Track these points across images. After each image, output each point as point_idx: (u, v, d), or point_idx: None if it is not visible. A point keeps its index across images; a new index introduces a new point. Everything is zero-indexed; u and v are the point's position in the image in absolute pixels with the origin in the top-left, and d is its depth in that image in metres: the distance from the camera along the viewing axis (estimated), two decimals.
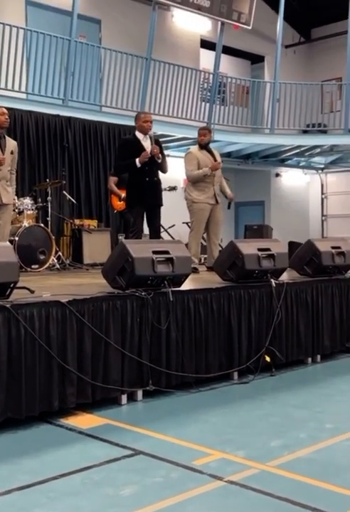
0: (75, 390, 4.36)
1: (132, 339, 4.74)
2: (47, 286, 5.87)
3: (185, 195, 7.80)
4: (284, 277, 6.23)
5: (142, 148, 6.91)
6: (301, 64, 17.53)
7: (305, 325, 6.13)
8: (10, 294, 4.31)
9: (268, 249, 5.92)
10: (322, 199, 17.87)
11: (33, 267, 8.13)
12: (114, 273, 4.99)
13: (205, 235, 8.02)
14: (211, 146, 8.00)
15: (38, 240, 8.32)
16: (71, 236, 9.83)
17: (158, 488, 3.19)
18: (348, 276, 6.77)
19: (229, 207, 8.10)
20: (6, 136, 6.92)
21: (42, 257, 8.30)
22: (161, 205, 7.17)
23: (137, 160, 6.83)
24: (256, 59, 17.01)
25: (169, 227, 10.72)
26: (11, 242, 7.05)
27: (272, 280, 5.81)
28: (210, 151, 7.77)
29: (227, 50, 15.14)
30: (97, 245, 9.54)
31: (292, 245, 11.11)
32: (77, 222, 10.05)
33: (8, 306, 4.07)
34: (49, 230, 8.61)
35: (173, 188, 10.65)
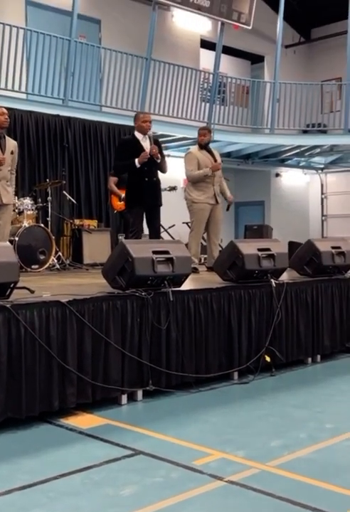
0: (75, 389, 4.37)
1: (132, 339, 4.74)
2: (47, 286, 5.87)
3: (185, 195, 7.80)
4: (284, 277, 6.23)
5: (141, 149, 6.90)
6: (301, 64, 17.54)
7: (305, 325, 6.13)
8: (10, 294, 4.31)
9: (268, 249, 5.92)
10: (322, 199, 17.87)
11: (33, 267, 8.13)
12: (114, 273, 4.99)
13: (205, 235, 8.02)
14: (211, 146, 8.00)
15: (38, 240, 8.32)
16: (71, 236, 9.83)
17: (158, 488, 3.19)
18: (348, 277, 6.77)
19: (228, 209, 8.10)
20: (6, 136, 6.92)
21: (42, 257, 8.30)
22: (161, 205, 7.16)
23: (137, 160, 6.82)
24: (256, 59, 17.01)
25: (169, 227, 10.72)
26: (11, 242, 7.05)
27: (272, 280, 5.81)
28: (210, 151, 7.77)
29: (227, 50, 15.14)
30: (97, 245, 9.54)
31: (292, 245, 11.10)
32: (77, 222, 10.05)
33: (8, 306, 4.07)
34: (49, 230, 8.61)
35: (173, 188, 10.66)
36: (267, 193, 17.05)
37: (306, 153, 15.85)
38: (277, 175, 17.29)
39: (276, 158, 16.17)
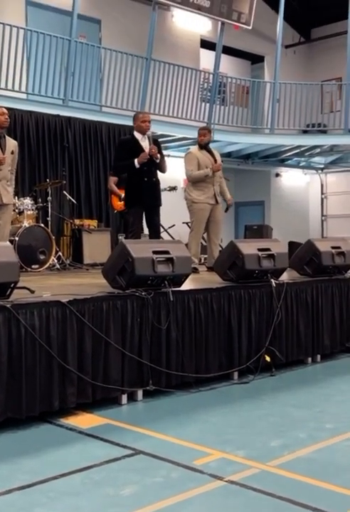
0: (76, 389, 4.37)
1: (132, 339, 4.74)
2: (47, 286, 5.87)
3: (185, 195, 7.80)
4: (284, 277, 6.23)
5: (141, 149, 6.90)
6: (301, 64, 17.54)
7: (305, 325, 6.13)
8: (10, 293, 4.31)
9: (268, 249, 5.92)
10: (322, 199, 17.87)
11: (33, 267, 8.14)
12: (115, 273, 5.00)
13: (205, 235, 8.02)
14: (211, 146, 8.01)
15: (38, 240, 8.32)
16: (71, 236, 9.83)
17: (158, 488, 3.19)
18: (348, 277, 6.77)
19: (226, 210, 8.10)
20: (7, 136, 6.92)
21: (42, 257, 8.30)
22: (160, 205, 7.15)
23: (136, 161, 6.81)
24: (256, 59, 17.02)
25: (169, 227, 10.72)
26: (11, 242, 7.05)
27: (272, 280, 5.81)
28: (210, 151, 7.77)
29: (228, 50, 15.14)
30: (97, 245, 9.54)
31: (292, 245, 11.11)
32: (77, 222, 10.05)
33: (8, 306, 4.07)
34: (49, 230, 8.62)
35: (173, 188, 10.66)
36: (267, 193, 17.05)
37: (306, 153, 15.85)
38: (277, 175, 17.29)
39: (276, 158, 16.17)
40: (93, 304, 4.53)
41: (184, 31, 14.80)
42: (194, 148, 7.84)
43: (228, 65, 15.71)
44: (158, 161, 6.92)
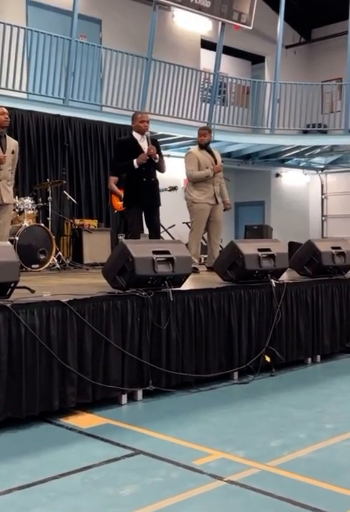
0: (76, 389, 4.37)
1: (132, 339, 4.74)
2: (47, 285, 5.87)
3: (185, 195, 7.80)
4: (285, 277, 6.23)
5: (139, 149, 6.89)
6: (302, 64, 17.54)
7: (305, 325, 6.13)
8: (10, 293, 4.31)
9: (268, 250, 5.93)
10: (322, 199, 17.88)
11: (33, 266, 8.14)
12: (115, 273, 5.00)
13: (205, 235, 8.01)
14: (211, 146, 8.01)
15: (39, 239, 8.32)
16: (71, 236, 9.83)
17: (158, 488, 3.19)
18: (348, 277, 6.77)
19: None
20: (7, 136, 6.92)
21: (42, 256, 8.31)
22: (159, 205, 7.15)
23: (135, 161, 6.81)
24: (256, 59, 17.02)
25: (169, 227, 10.72)
26: (11, 241, 7.04)
27: (272, 280, 5.81)
28: (210, 151, 7.77)
29: (228, 51, 15.15)
30: (97, 245, 9.54)
31: (292, 245, 11.11)
32: (77, 222, 10.05)
33: (8, 305, 4.07)
34: (49, 230, 8.62)
35: (173, 188, 10.66)
36: (267, 193, 17.05)
37: (307, 154, 15.86)
38: (278, 175, 17.29)
39: (276, 158, 16.17)
40: (93, 303, 4.53)
41: (185, 31, 14.80)
42: (194, 149, 7.84)
43: (229, 65, 15.72)
44: (157, 161, 6.92)
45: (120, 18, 13.47)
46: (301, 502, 3.00)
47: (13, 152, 6.85)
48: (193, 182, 7.65)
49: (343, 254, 6.69)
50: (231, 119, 13.90)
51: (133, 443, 3.84)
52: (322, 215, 17.86)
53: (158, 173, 7.13)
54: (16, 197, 8.33)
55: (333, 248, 6.62)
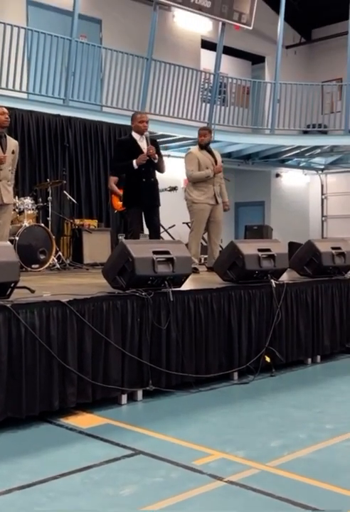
0: (76, 389, 4.37)
1: (132, 339, 4.74)
2: (47, 285, 5.87)
3: (185, 195, 7.80)
4: (285, 278, 6.24)
5: (139, 149, 6.89)
6: (302, 64, 17.54)
7: (305, 325, 6.13)
8: (10, 293, 4.32)
9: (268, 250, 5.93)
10: (322, 200, 17.87)
11: (33, 266, 8.14)
12: (115, 273, 5.00)
13: (205, 236, 8.01)
14: (211, 146, 8.01)
15: (39, 239, 8.32)
16: (71, 236, 9.83)
17: (158, 488, 3.19)
18: (348, 277, 6.77)
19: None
20: (8, 136, 6.92)
21: (42, 256, 8.30)
22: (159, 205, 7.15)
23: (134, 162, 6.81)
24: (257, 59, 17.01)
25: (169, 228, 10.72)
26: (11, 241, 7.04)
27: (272, 280, 5.81)
28: (210, 152, 7.77)
29: (228, 51, 15.14)
30: (97, 245, 9.54)
31: (292, 246, 11.11)
32: (77, 222, 10.05)
33: (8, 305, 4.07)
34: (49, 230, 8.62)
35: (173, 189, 10.67)
36: (267, 193, 17.05)
37: (307, 154, 15.86)
38: (278, 175, 17.29)
39: (276, 158, 16.17)
40: (93, 303, 4.53)
41: (185, 31, 14.80)
42: (194, 149, 7.84)
43: (229, 66, 15.71)
44: (156, 161, 6.92)
45: (120, 18, 13.47)
46: (301, 502, 3.00)
47: (13, 152, 6.85)
48: (193, 182, 7.65)
49: (343, 255, 6.69)
50: (231, 119, 13.90)
51: (133, 443, 3.84)
52: (322, 216, 17.85)
53: (157, 174, 7.13)
54: (16, 197, 8.33)
55: (333, 248, 6.62)
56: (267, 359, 5.65)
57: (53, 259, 8.52)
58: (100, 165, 11.29)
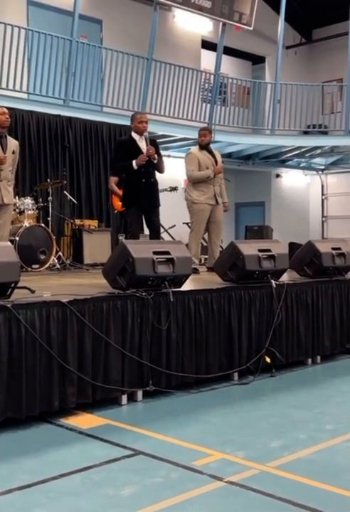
0: (76, 389, 4.37)
1: (133, 339, 4.74)
2: (47, 286, 5.87)
3: (185, 195, 7.80)
4: (285, 278, 6.23)
5: (138, 149, 6.89)
6: (302, 65, 17.54)
7: (305, 326, 6.13)
8: (11, 293, 4.32)
9: (268, 250, 5.93)
10: (322, 200, 17.87)
11: (33, 266, 8.14)
12: (115, 273, 5.00)
13: (205, 236, 8.01)
14: (212, 146, 8.00)
15: (39, 239, 8.32)
16: (72, 236, 9.84)
17: (158, 489, 3.19)
18: (349, 278, 6.77)
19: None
20: (8, 136, 6.92)
21: (42, 256, 8.30)
22: (159, 205, 7.15)
23: (134, 162, 6.82)
24: (257, 60, 17.02)
25: (170, 228, 10.72)
26: (11, 241, 7.04)
27: (273, 281, 5.81)
28: (210, 152, 7.77)
29: (229, 51, 15.14)
30: (97, 245, 9.54)
31: (293, 246, 11.10)
32: (77, 222, 10.05)
33: (8, 305, 4.07)
34: (50, 230, 8.62)
35: (173, 189, 10.67)
36: (267, 193, 17.05)
37: (307, 154, 15.86)
38: (278, 176, 17.29)
39: (276, 159, 16.18)
40: (93, 304, 4.53)
41: (185, 32, 14.80)
42: (195, 149, 7.84)
43: (229, 66, 15.71)
44: (156, 161, 6.92)
45: (121, 19, 13.47)
46: (302, 503, 3.00)
47: (13, 152, 6.85)
48: (194, 182, 7.65)
49: (343, 255, 6.69)
50: (231, 119, 13.90)
51: (133, 443, 3.84)
52: (322, 216, 17.85)
53: (157, 174, 7.13)
54: (17, 197, 8.33)
55: (333, 249, 6.62)
56: (268, 359, 5.65)
57: (53, 260, 8.52)
58: (100, 165, 11.29)
